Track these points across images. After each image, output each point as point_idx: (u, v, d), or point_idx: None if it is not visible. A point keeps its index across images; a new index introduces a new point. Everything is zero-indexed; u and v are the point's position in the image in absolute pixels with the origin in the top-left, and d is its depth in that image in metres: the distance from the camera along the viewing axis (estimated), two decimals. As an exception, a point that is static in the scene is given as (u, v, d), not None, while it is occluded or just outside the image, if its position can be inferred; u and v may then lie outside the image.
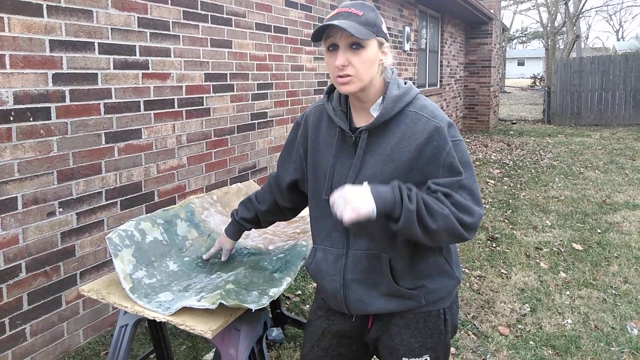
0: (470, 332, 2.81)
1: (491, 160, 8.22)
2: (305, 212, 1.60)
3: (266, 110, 4.14)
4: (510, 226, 4.74)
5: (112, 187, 2.74)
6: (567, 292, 3.32)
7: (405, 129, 1.25)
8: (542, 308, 3.11)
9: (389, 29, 6.82)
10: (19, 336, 2.32)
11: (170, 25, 3.09)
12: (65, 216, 2.49)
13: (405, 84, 1.32)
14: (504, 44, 28.59)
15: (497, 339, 2.74)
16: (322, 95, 1.45)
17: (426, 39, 9.10)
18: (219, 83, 3.54)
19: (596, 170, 7.28)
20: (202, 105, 3.40)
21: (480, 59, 11.82)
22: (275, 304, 2.62)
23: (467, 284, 3.45)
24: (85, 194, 2.59)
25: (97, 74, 2.62)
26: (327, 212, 1.33)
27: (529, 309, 3.09)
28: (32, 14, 2.30)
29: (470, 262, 3.84)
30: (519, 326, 2.89)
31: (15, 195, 2.27)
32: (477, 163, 7.98)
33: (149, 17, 2.93)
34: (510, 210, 5.26)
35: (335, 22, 1.19)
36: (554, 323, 2.92)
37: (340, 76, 1.23)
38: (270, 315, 2.63)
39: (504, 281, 3.51)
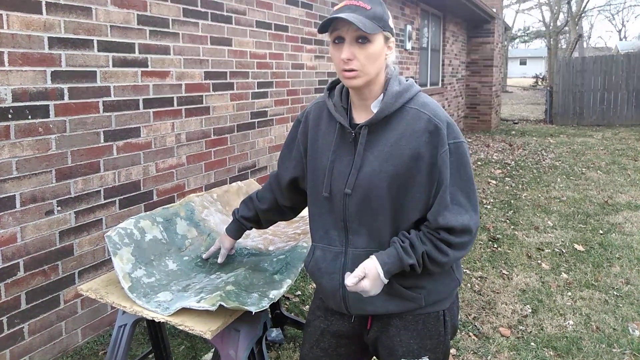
0: (471, 333, 2.79)
1: (493, 160, 8.19)
2: (306, 212, 1.58)
3: (266, 109, 4.12)
4: (512, 227, 4.72)
5: (111, 185, 2.73)
6: (569, 293, 3.30)
7: (406, 126, 1.24)
8: (543, 309, 3.09)
9: (390, 27, 6.78)
10: (17, 335, 2.31)
11: (170, 23, 3.07)
12: (63, 215, 2.48)
13: (407, 80, 1.31)
14: (506, 43, 28.54)
15: (498, 340, 2.73)
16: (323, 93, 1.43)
17: (428, 37, 9.07)
18: (218, 81, 3.53)
19: (598, 171, 7.26)
20: (202, 103, 3.38)
21: (482, 58, 11.79)
22: (274, 304, 2.61)
23: (468, 284, 3.43)
24: (84, 192, 2.57)
25: (96, 71, 2.60)
26: (326, 209, 1.32)
27: (530, 310, 3.07)
28: (31, 10, 2.28)
29: (472, 262, 3.82)
30: (520, 327, 2.87)
31: (13, 194, 2.25)
32: (479, 163, 7.96)
33: (149, 15, 2.91)
34: (511, 211, 5.24)
35: (342, 15, 1.17)
36: (556, 324, 2.91)
37: (346, 70, 1.22)
38: (270, 316, 2.61)
39: (505, 282, 3.49)
